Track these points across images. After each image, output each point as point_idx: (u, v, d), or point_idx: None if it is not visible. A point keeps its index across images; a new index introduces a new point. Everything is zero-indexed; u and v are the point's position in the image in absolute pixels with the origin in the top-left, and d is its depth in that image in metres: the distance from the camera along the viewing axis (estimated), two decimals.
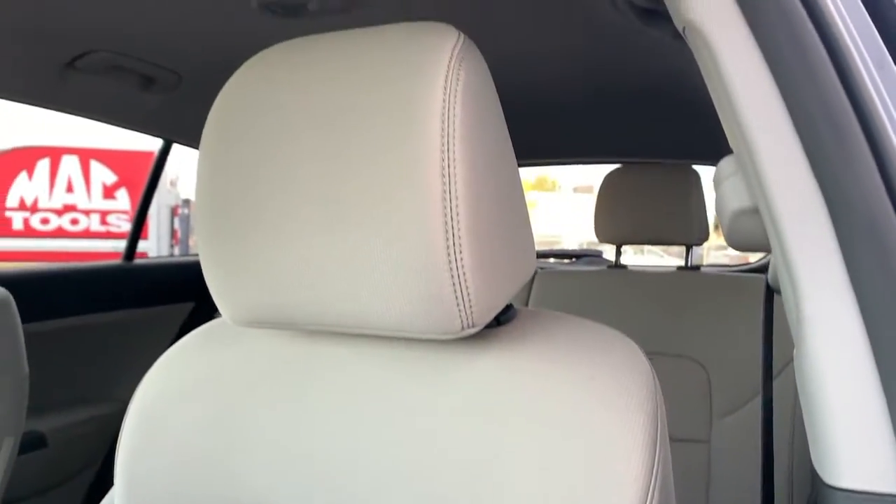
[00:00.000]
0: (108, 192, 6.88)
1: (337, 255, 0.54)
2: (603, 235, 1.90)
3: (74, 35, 1.40)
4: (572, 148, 2.30)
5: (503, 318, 0.61)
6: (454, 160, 0.50)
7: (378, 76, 0.53)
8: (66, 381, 1.77)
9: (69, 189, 6.72)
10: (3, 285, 1.15)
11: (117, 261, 2.10)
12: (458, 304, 0.52)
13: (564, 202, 13.05)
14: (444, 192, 0.50)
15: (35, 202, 6.58)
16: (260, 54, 0.61)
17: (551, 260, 2.68)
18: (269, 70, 0.59)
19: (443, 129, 0.50)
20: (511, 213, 0.58)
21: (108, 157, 6.76)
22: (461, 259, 0.51)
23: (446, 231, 0.50)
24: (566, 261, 2.68)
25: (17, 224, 6.50)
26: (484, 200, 0.53)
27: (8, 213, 6.44)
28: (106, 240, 6.59)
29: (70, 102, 1.60)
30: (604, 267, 2.06)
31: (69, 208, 6.74)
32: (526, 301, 1.90)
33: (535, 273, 1.92)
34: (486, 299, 0.53)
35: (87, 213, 6.80)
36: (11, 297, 1.13)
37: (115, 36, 1.41)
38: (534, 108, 1.84)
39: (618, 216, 1.87)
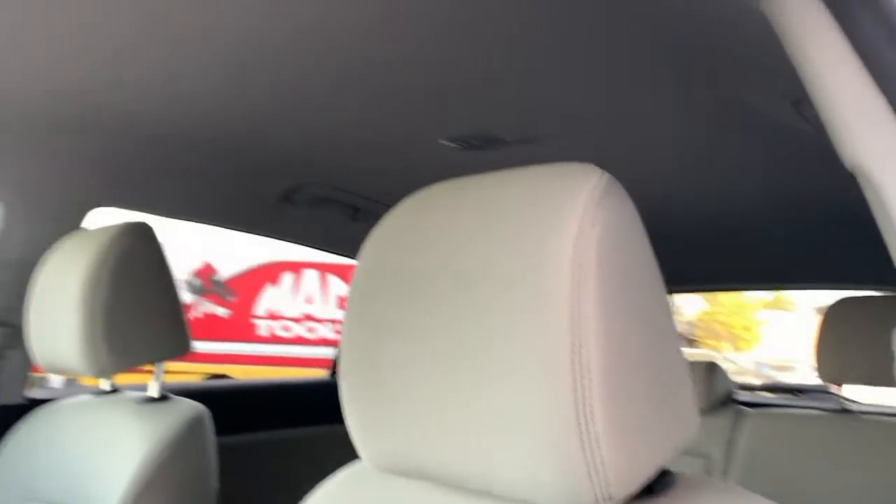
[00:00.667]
0: (342, 303, 7.42)
1: (464, 411, 0.51)
2: (824, 373, 1.69)
3: (290, 170, 1.55)
4: (776, 273, 2.12)
5: (657, 487, 0.55)
6: (585, 313, 0.47)
7: (512, 224, 0.52)
8: (255, 494, 1.84)
9: (308, 300, 7.34)
10: (202, 400, 1.24)
11: (320, 377, 2.21)
12: (589, 475, 0.47)
13: (801, 323, 11.99)
14: (573, 350, 0.46)
15: (278, 311, 7.25)
16: (413, 196, 0.63)
17: (769, 394, 2.43)
18: (417, 212, 0.60)
19: (572, 280, 0.47)
20: (661, 367, 0.52)
21: (344, 271, 7.31)
22: (593, 424, 0.46)
23: (575, 393, 0.46)
24: (788, 396, 2.41)
25: (263, 331, 7.18)
26: (623, 357, 0.48)
27: (256, 321, 7.15)
28: (338, 347, 7.03)
29: (285, 231, 1.75)
30: (830, 408, 1.82)
31: (307, 317, 7.33)
32: (730, 444, 1.71)
33: (747, 412, 1.75)
34: (628, 468, 0.48)
35: (322, 322, 7.35)
36: (208, 413, 1.22)
37: (327, 171, 1.54)
38: (726, 232, 1.74)
39: (840, 353, 1.66)
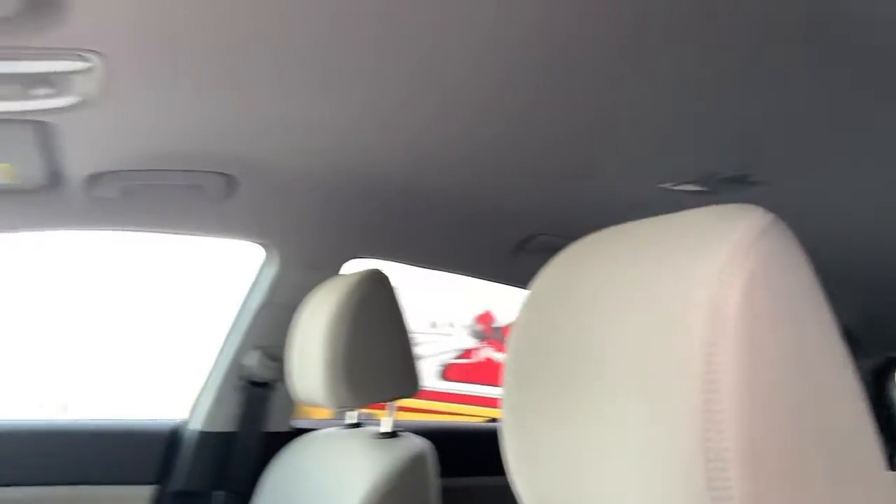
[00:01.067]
0: None
1: (605, 476, 0.49)
2: None
3: (525, 221, 1.60)
4: None
5: None
6: (720, 378, 0.42)
7: (653, 273, 0.49)
8: None
9: None
10: (433, 439, 1.31)
11: None
12: None
13: None
14: (706, 413, 0.42)
15: None
16: (575, 244, 0.62)
17: None
18: (570, 262, 0.59)
19: (704, 338, 0.43)
20: (827, 438, 0.45)
21: None
22: (730, 497, 0.41)
23: (707, 464, 0.42)
24: None
25: None
26: (774, 423, 0.43)
27: None
28: None
29: (517, 279, 1.80)
30: None
31: None
32: None
33: None
34: None
35: None
36: (432, 450, 1.27)
37: (555, 222, 1.58)
38: None
39: None
